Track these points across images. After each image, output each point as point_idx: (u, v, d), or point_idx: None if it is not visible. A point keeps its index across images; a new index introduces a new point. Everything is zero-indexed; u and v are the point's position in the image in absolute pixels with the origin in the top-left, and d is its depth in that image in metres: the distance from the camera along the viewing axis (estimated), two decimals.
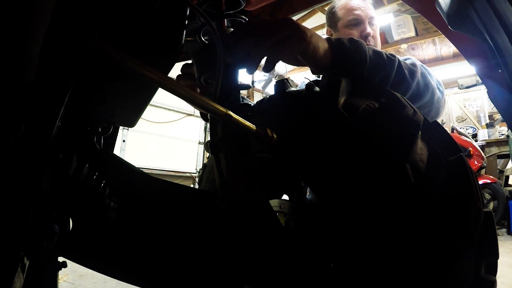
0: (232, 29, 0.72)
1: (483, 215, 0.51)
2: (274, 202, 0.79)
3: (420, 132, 0.53)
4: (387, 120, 0.54)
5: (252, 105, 0.72)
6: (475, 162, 4.61)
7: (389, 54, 0.72)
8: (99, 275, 1.29)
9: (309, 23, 5.88)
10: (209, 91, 0.74)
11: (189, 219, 0.73)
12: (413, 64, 0.77)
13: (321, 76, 0.67)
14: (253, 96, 7.82)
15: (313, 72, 0.73)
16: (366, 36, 1.23)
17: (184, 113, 6.48)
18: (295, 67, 7.20)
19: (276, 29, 0.61)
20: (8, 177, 0.41)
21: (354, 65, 0.66)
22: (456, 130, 5.33)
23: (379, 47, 1.28)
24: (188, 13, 0.65)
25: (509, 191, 4.56)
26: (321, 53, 0.65)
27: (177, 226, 0.72)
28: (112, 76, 0.61)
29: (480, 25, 0.63)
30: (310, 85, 0.63)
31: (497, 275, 0.53)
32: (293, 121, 0.61)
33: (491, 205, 4.58)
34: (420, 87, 0.76)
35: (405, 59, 0.92)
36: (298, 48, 0.63)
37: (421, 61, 0.98)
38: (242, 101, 0.71)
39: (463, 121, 7.34)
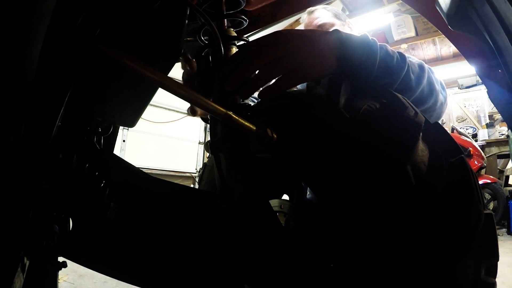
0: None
1: (483, 217, 0.51)
2: (274, 202, 0.79)
3: (421, 134, 0.53)
4: (388, 121, 0.54)
5: (252, 105, 0.71)
6: (475, 162, 4.61)
7: (401, 58, 0.68)
8: (99, 275, 1.29)
9: None
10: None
11: (189, 219, 0.73)
12: (421, 68, 0.74)
13: None
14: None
15: None
16: None
17: (184, 113, 6.48)
18: None
19: (276, 65, 0.59)
20: (8, 177, 0.41)
21: (359, 71, 0.63)
22: (456, 130, 5.33)
23: None
24: (188, 13, 0.65)
25: (509, 191, 4.56)
26: (324, 70, 0.62)
27: (177, 226, 0.72)
28: (112, 76, 0.61)
29: (480, 25, 0.64)
30: (310, 85, 0.63)
31: (497, 275, 0.53)
32: (294, 121, 0.61)
33: (491, 205, 4.58)
34: (424, 93, 0.74)
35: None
36: (300, 82, 0.61)
37: None
38: (242, 100, 0.71)
39: (463, 121, 7.34)
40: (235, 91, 0.62)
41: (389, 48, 0.68)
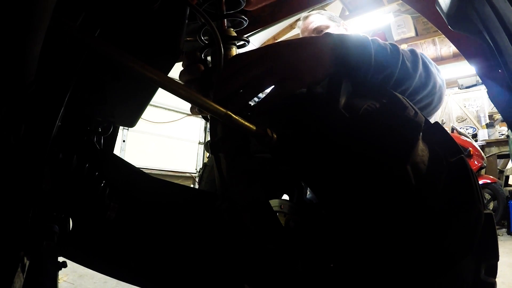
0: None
1: (483, 217, 0.51)
2: (274, 202, 0.79)
3: (421, 133, 0.53)
4: (388, 121, 0.54)
5: (252, 105, 0.71)
6: (475, 162, 4.61)
7: (393, 48, 0.69)
8: (99, 275, 1.29)
9: None
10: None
11: (189, 219, 0.73)
12: (414, 53, 0.74)
13: None
14: None
15: None
16: None
17: (184, 113, 6.48)
18: None
19: (266, 76, 0.59)
20: (8, 177, 0.41)
21: (356, 69, 0.63)
22: (456, 130, 5.34)
23: None
24: (188, 13, 0.65)
25: (509, 191, 4.57)
26: (320, 74, 0.61)
27: (177, 226, 0.72)
28: (112, 76, 0.61)
29: (480, 25, 0.63)
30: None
31: (497, 275, 0.53)
32: (293, 121, 0.61)
33: (491, 205, 4.58)
34: (423, 78, 0.74)
35: None
36: (296, 89, 0.61)
37: None
38: None
39: (463, 121, 7.34)
40: (227, 101, 0.62)
41: (380, 40, 0.69)
